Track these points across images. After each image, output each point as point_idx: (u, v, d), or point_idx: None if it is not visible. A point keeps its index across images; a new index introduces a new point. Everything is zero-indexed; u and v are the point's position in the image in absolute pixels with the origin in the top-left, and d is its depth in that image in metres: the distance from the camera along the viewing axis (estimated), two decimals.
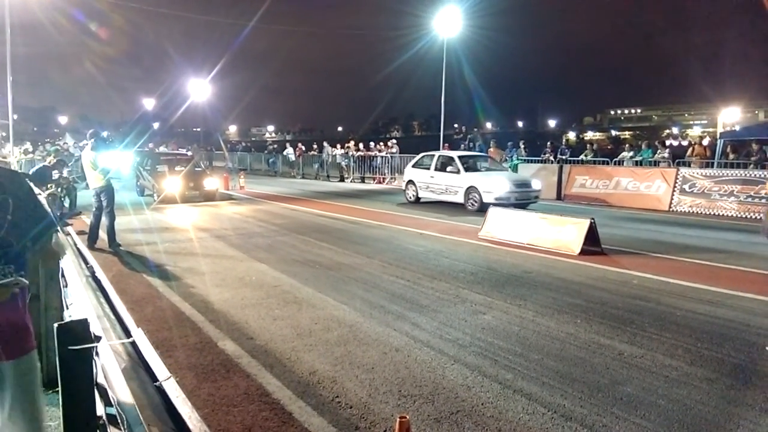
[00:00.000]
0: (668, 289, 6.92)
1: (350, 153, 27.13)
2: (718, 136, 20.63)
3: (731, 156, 16.23)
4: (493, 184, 14.36)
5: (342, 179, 26.68)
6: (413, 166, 17.51)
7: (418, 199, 16.72)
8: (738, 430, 3.53)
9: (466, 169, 15.33)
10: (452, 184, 15.43)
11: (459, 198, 15.07)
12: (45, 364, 4.10)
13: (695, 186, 14.92)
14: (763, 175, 13.72)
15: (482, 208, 13.17)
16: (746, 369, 4.47)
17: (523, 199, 14.47)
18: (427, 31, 28.38)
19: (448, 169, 15.78)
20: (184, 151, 29.41)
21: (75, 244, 4.29)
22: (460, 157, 16.08)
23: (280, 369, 4.41)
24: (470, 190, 14.76)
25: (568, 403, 3.83)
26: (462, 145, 26.52)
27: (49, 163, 13.90)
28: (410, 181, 17.20)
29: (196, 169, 18.87)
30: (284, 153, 32.02)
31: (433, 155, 17.19)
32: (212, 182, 17.71)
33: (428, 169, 16.51)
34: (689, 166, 16.45)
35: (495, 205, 12.38)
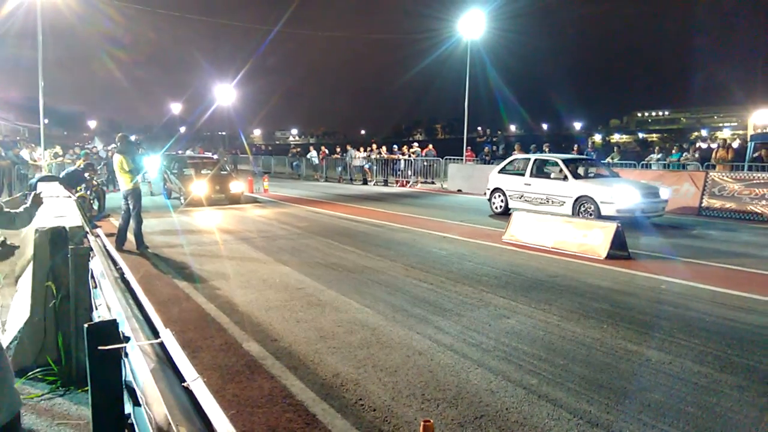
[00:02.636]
0: (697, 294, 6.79)
1: (373, 156, 27.19)
2: (748, 139, 20.19)
3: (764, 158, 15.85)
4: (617, 193, 11.98)
5: (365, 182, 26.75)
6: (500, 172, 15.02)
7: (507, 210, 14.21)
8: None
9: (575, 176, 13.07)
10: (556, 193, 13.04)
11: (565, 210, 12.62)
12: (75, 364, 4.19)
13: (725, 189, 14.61)
14: None
15: None
16: None
17: (650, 212, 12.26)
18: (450, 34, 28.32)
19: (552, 175, 13.52)
20: (210, 154, 29.79)
21: (104, 246, 4.36)
22: (565, 161, 13.53)
23: (304, 371, 4.43)
24: (582, 201, 12.39)
25: (594, 410, 3.78)
26: (486, 148, 26.38)
27: (79, 166, 14.21)
28: (497, 189, 14.78)
29: (222, 172, 19.08)
30: (308, 156, 32.19)
31: (528, 158, 14.60)
32: (238, 185, 17.87)
33: (522, 174, 14.13)
34: (716, 168, 16.13)
35: (616, 218, 10.97)
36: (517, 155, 16.68)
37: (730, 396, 4.00)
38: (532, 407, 3.82)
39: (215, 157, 25.02)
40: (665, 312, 6.06)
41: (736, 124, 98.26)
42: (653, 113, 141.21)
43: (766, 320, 5.75)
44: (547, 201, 13.26)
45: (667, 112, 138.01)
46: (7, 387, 2.36)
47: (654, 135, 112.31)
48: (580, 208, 12.44)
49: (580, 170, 13.86)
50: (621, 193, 11.99)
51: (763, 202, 13.81)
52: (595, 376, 4.35)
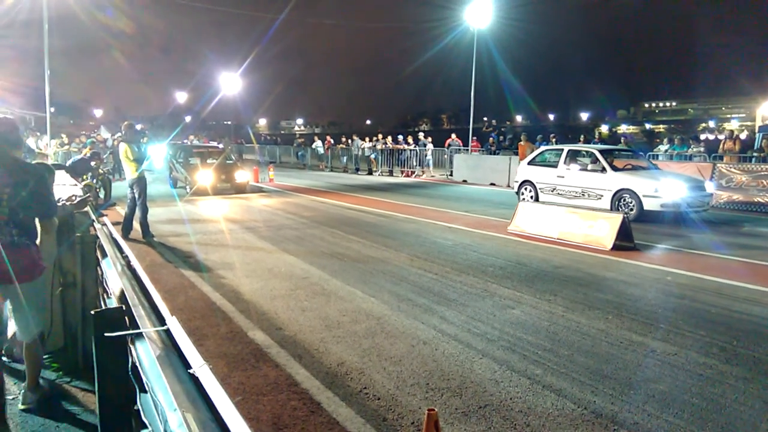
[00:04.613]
0: (703, 285, 6.77)
1: (379, 146, 27.13)
2: (756, 130, 20.05)
3: (765, 150, 15.76)
4: (662, 186, 11.39)
5: (370, 172, 26.72)
6: (530, 163, 14.43)
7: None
8: None
9: (613, 167, 12.47)
10: (593, 186, 12.46)
11: (603, 203, 12.09)
12: (81, 351, 4.22)
13: (732, 181, 14.52)
14: None
15: (640, 217, 11.36)
16: None
17: (697, 206, 11.63)
18: (457, 23, 28.19)
19: (589, 167, 12.92)
20: (215, 143, 29.80)
21: (110, 234, 4.37)
22: (602, 152, 12.93)
23: (309, 359, 4.45)
24: (622, 194, 11.86)
25: (598, 400, 3.78)
26: (491, 138, 26.31)
27: (85, 155, 14.23)
28: (527, 182, 14.19)
29: (228, 161, 19.09)
30: (313, 146, 32.16)
31: (561, 149, 13.94)
32: (243, 175, 17.87)
33: (554, 166, 13.55)
34: (723, 160, 16.04)
35: (661, 213, 11.12)
36: (550, 146, 16.12)
37: (735, 387, 4.00)
38: (536, 397, 3.82)
39: (220, 146, 25.02)
40: (670, 303, 6.04)
41: (744, 115, 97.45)
42: (660, 104, 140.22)
43: None
44: (583, 194, 12.67)
45: (674, 103, 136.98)
46: (43, 307, 3.69)
47: (661, 126, 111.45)
48: (619, 202, 11.90)
49: (623, 162, 13.23)
50: (667, 186, 11.40)
51: None
52: (599, 366, 4.35)
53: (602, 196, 12.27)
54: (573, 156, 13.50)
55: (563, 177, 13.21)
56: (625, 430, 3.41)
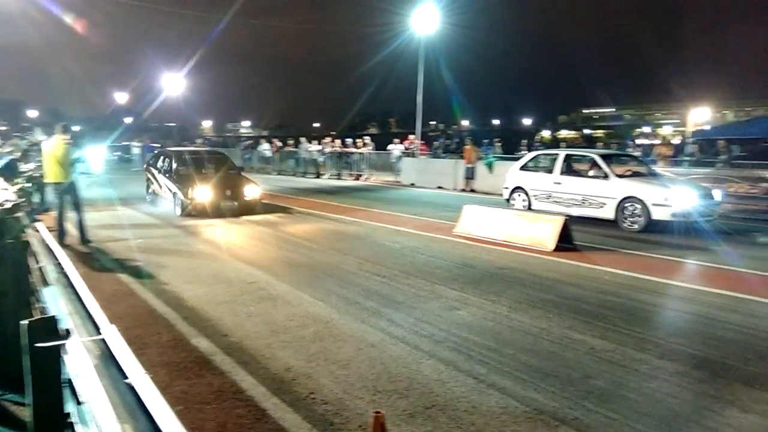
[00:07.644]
0: (639, 285, 7.05)
1: (327, 150, 27.02)
2: (690, 136, 21.10)
3: (696, 154, 16.63)
4: (673, 195, 10.73)
5: (318, 176, 26.59)
6: (522, 169, 13.54)
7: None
8: (706, 421, 3.62)
9: (616, 174, 11.75)
10: (595, 194, 11.70)
11: (606, 212, 11.44)
12: (13, 364, 4.02)
13: None
14: (731, 174, 14.05)
15: (648, 227, 10.75)
16: (714, 362, 4.58)
17: (707, 216, 11.02)
18: (404, 29, 28.37)
19: (589, 173, 12.24)
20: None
21: (43, 240, 4.20)
22: (603, 157, 12.23)
23: (255, 366, 4.39)
24: (628, 203, 11.13)
25: (540, 397, 3.89)
26: (436, 142, 26.69)
27: (15, 156, 13.61)
28: (518, 189, 13.30)
29: (231, 171, 14.32)
30: (260, 149, 31.74)
31: (556, 154, 13.14)
32: (253, 189, 13.34)
33: (549, 172, 12.79)
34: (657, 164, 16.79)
35: (671, 222, 10.57)
36: (544, 150, 15.56)
37: (669, 382, 4.19)
38: (481, 396, 3.90)
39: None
40: (608, 302, 6.27)
41: (678, 121, 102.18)
42: (599, 110, 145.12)
43: (704, 309, 6.03)
44: (583, 202, 11.93)
45: (612, 109, 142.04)
46: None
47: (599, 131, 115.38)
48: (624, 211, 11.21)
49: (624, 168, 12.60)
50: (677, 194, 10.77)
51: None
52: (541, 364, 4.47)
53: (605, 204, 11.54)
54: (570, 161, 12.95)
55: (560, 183, 12.43)
56: (566, 426, 3.52)
